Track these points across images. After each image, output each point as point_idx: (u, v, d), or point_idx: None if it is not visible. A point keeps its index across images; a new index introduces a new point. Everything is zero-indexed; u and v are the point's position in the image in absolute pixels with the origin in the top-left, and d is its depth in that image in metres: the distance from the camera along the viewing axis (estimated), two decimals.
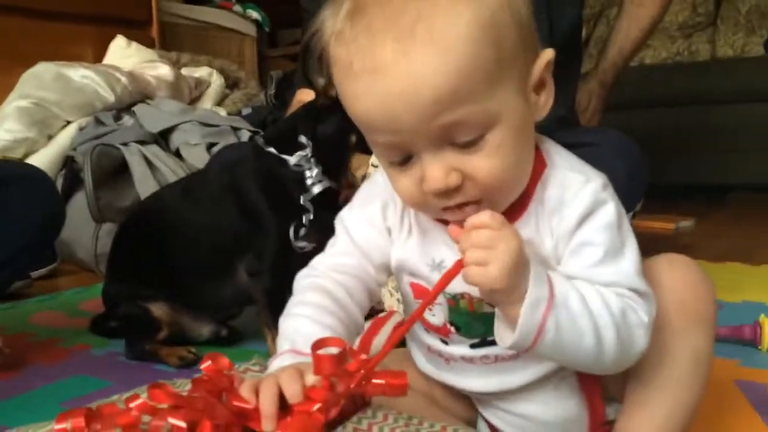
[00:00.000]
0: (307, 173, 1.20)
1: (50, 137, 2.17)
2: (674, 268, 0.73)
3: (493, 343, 0.71)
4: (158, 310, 1.25)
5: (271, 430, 0.54)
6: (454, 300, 0.71)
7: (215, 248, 1.26)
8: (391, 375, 0.58)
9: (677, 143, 3.18)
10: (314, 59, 1.11)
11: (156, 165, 2.02)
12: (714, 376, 1.00)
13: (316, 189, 1.20)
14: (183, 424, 0.51)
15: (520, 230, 0.64)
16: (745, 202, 3.24)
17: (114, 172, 1.98)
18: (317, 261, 0.77)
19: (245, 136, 2.22)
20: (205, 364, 0.60)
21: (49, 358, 1.26)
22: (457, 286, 0.68)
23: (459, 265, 0.60)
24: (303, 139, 1.22)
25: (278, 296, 1.15)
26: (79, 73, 2.24)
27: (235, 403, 0.56)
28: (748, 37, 3.43)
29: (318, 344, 0.57)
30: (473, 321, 0.70)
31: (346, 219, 0.77)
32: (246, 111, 2.59)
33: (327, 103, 1.19)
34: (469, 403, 0.81)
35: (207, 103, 2.69)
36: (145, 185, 1.95)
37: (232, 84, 2.94)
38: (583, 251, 0.64)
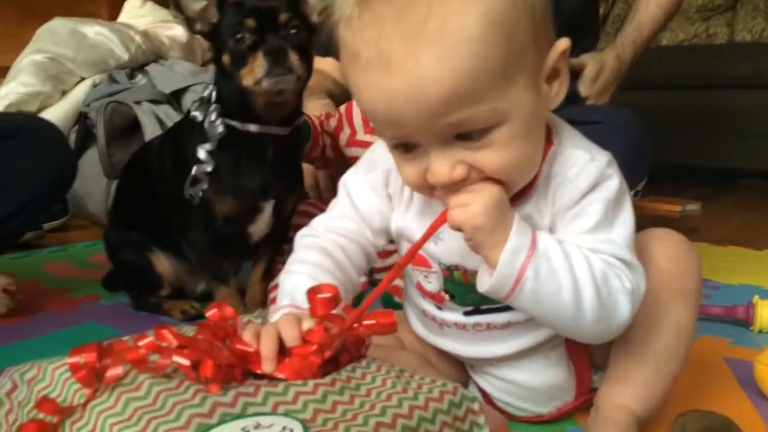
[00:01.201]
0: (207, 120, 1.12)
1: (64, 93, 2.19)
2: (662, 243, 0.76)
3: (486, 311, 0.74)
4: (159, 263, 1.25)
5: (270, 371, 0.57)
6: (449, 271, 0.73)
7: (178, 206, 1.19)
8: (381, 315, 0.61)
9: (689, 125, 3.17)
10: None
11: (167, 125, 2.04)
12: (704, 353, 1.03)
13: (218, 130, 1.11)
14: (187, 363, 0.54)
15: (522, 207, 0.66)
16: (755, 188, 3.23)
17: (126, 129, 2.01)
18: (317, 221, 0.79)
19: None
20: (211, 312, 0.63)
21: (60, 306, 1.30)
22: (453, 257, 0.71)
23: (444, 216, 0.63)
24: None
25: (202, 256, 1.19)
26: (94, 30, 2.25)
27: (238, 346, 0.59)
28: (767, 22, 3.39)
29: (313, 290, 0.61)
30: (467, 291, 0.73)
31: (349, 182, 0.80)
32: None
33: (204, 30, 1.11)
34: (461, 367, 0.84)
35: None
36: None
37: None
38: (576, 220, 0.66)
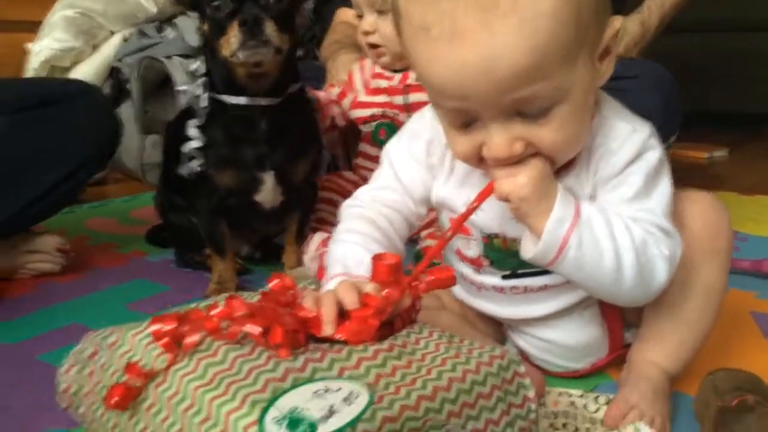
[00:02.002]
0: (192, 94, 1.11)
1: (95, 47, 2.22)
2: (695, 206, 0.78)
3: (523, 275, 0.78)
4: None
5: (330, 334, 0.61)
6: (489, 238, 0.76)
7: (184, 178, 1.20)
8: (438, 270, 0.65)
9: (715, 70, 3.12)
10: None
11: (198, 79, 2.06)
12: (730, 306, 1.07)
13: (203, 104, 1.10)
14: (258, 329, 0.59)
15: (564, 178, 0.69)
16: None
17: (159, 84, 2.03)
18: (362, 191, 0.82)
19: None
20: (273, 282, 0.67)
21: (109, 262, 1.36)
22: (493, 225, 0.74)
23: (490, 187, 0.65)
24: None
25: (204, 226, 1.19)
26: None
27: (300, 313, 0.64)
28: None
29: (376, 257, 0.65)
30: (506, 257, 0.76)
31: (392, 152, 0.82)
32: None
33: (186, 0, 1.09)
34: (498, 326, 0.88)
35: None
36: (188, 98, 2.00)
37: None
38: (617, 189, 0.69)
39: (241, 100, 1.09)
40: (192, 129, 1.10)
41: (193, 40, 2.20)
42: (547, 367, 0.85)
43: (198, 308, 0.63)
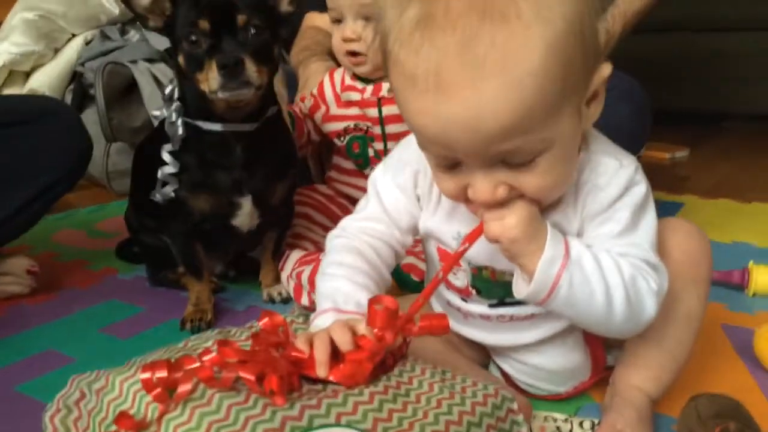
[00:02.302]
0: (167, 120, 1.07)
1: (56, 51, 2.16)
2: (676, 234, 0.80)
3: (510, 304, 0.78)
4: None
5: (324, 376, 0.61)
6: (478, 270, 0.77)
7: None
8: (434, 317, 0.65)
9: (673, 69, 3.19)
10: None
11: (164, 83, 2.02)
12: (702, 320, 1.09)
13: (179, 132, 1.06)
14: (251, 377, 0.59)
15: (551, 214, 0.70)
16: (737, 130, 3.28)
17: (124, 90, 1.99)
18: (348, 223, 0.82)
19: None
20: (263, 321, 0.67)
21: (80, 282, 1.33)
22: (482, 258, 0.74)
23: (480, 228, 0.66)
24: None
25: (178, 250, 1.17)
26: None
27: (293, 353, 0.63)
28: None
29: (373, 300, 0.65)
30: (494, 287, 0.77)
31: (378, 183, 0.82)
32: None
33: (159, 26, 1.03)
34: (483, 350, 0.89)
35: None
36: (155, 105, 1.96)
37: None
38: (605, 225, 0.70)
39: (218, 127, 1.07)
40: (166, 154, 1.07)
41: (159, 43, 2.16)
42: (531, 391, 0.86)
43: (189, 355, 0.62)
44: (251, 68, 0.98)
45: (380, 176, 0.82)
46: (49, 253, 1.49)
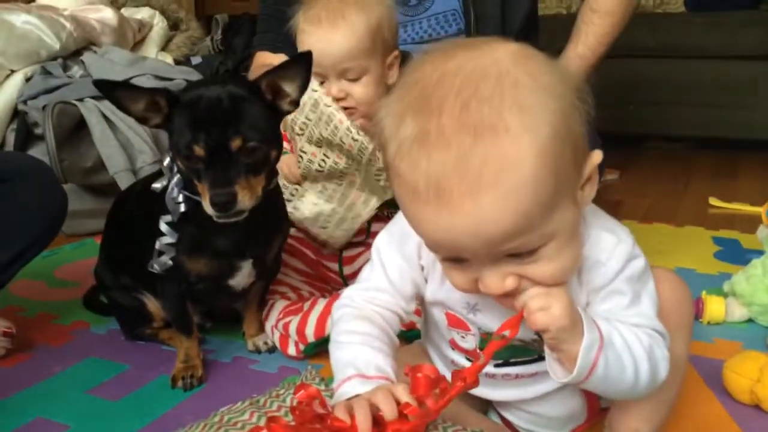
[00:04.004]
0: (168, 194, 1.05)
1: None
2: (661, 285, 0.83)
3: (515, 364, 0.82)
4: (151, 303, 1.24)
5: None
6: (487, 335, 0.80)
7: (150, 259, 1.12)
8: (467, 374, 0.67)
9: (595, 95, 3.33)
10: None
11: (114, 122, 1.98)
12: None
13: (180, 209, 1.05)
14: None
15: None
16: (661, 150, 3.46)
17: (73, 129, 1.94)
18: (354, 293, 0.84)
19: None
20: (299, 393, 0.68)
21: (53, 339, 1.29)
22: (493, 325, 0.77)
23: (519, 318, 0.68)
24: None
25: (169, 309, 1.17)
26: (21, 19, 2.12)
27: (335, 423, 0.65)
28: None
29: (415, 369, 0.67)
30: (502, 350, 0.80)
31: (382, 252, 0.84)
32: (196, 60, 2.54)
33: (159, 122, 1.00)
34: (483, 399, 0.92)
35: (151, 47, 2.61)
36: (106, 145, 1.93)
37: (172, 25, 2.84)
38: (612, 298, 0.75)
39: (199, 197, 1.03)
40: (164, 225, 1.06)
41: (105, 77, 2.11)
42: None
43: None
44: (244, 198, 0.97)
45: (385, 246, 0.84)
46: (12, 308, 1.43)
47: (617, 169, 2.86)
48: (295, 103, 1.03)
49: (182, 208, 1.04)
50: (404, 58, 1.38)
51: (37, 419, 1.00)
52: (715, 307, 1.34)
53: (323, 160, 1.23)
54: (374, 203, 1.27)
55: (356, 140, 1.17)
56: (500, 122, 0.59)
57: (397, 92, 0.66)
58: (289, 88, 1.01)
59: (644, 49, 3.26)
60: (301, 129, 1.23)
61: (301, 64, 1.00)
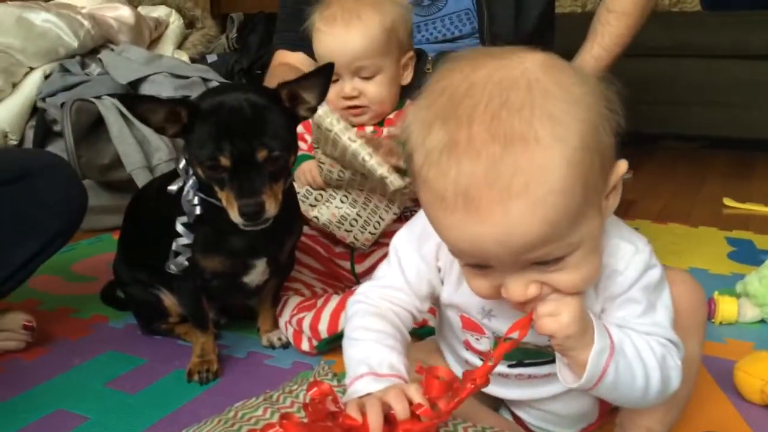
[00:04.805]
0: (183, 196, 1.06)
1: (14, 85, 2.11)
2: (676, 287, 0.84)
3: (529, 364, 0.83)
4: (167, 299, 1.25)
5: None
6: (499, 337, 0.81)
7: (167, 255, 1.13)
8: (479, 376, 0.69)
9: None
10: None
11: (131, 120, 2.01)
12: None
13: (196, 211, 1.06)
14: None
15: None
16: (676, 150, 3.45)
17: (90, 126, 1.96)
18: (369, 289, 0.84)
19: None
20: (312, 391, 0.70)
21: (72, 332, 1.31)
22: (505, 329, 0.77)
23: (528, 320, 0.69)
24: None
25: (186, 304, 1.18)
26: (41, 17, 2.16)
27: (347, 420, 0.66)
28: None
29: (430, 371, 0.68)
30: (515, 351, 0.80)
31: (400, 251, 0.84)
32: (211, 58, 2.57)
33: (177, 131, 0.99)
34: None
35: (167, 45, 2.64)
36: (123, 142, 1.95)
37: (188, 23, 2.87)
38: (627, 306, 0.75)
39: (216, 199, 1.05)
40: (180, 226, 1.07)
41: (121, 76, 2.14)
42: None
43: (253, 429, 0.65)
44: (270, 206, 0.99)
45: (403, 244, 0.85)
46: (31, 301, 1.46)
47: (631, 168, 2.82)
48: (313, 110, 1.05)
49: (198, 210, 1.06)
50: (419, 56, 1.39)
51: (58, 411, 1.03)
52: (727, 308, 1.35)
53: (341, 172, 1.24)
54: (396, 208, 1.28)
55: (363, 163, 1.16)
56: (530, 132, 0.60)
57: (424, 100, 0.66)
58: (308, 96, 1.02)
59: (659, 48, 3.24)
60: (315, 143, 1.24)
61: (323, 75, 1.01)
